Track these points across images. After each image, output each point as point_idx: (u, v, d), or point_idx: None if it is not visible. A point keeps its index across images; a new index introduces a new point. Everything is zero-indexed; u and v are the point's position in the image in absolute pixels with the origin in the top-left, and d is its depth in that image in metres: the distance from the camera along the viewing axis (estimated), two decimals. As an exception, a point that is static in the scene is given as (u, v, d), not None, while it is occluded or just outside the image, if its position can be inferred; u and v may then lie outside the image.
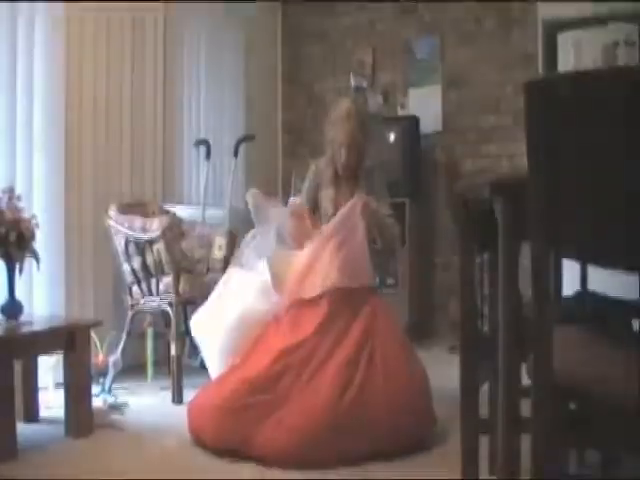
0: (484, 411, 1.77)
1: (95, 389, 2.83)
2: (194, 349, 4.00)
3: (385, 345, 2.50)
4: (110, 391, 3.06)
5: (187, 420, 2.51)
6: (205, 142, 4.41)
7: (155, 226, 3.25)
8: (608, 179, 1.02)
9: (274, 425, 2.27)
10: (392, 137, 4.87)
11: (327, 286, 2.53)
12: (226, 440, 2.31)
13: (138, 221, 3.33)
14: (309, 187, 2.96)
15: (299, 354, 2.43)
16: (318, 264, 2.56)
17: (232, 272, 2.84)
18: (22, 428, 2.47)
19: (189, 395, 2.79)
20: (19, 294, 2.70)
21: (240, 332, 2.60)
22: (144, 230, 3.28)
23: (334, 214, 2.76)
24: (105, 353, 3.02)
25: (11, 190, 2.66)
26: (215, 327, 2.68)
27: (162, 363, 3.56)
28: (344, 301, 2.54)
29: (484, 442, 1.78)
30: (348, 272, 2.54)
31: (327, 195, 2.88)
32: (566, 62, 3.95)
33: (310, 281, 2.56)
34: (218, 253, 3.66)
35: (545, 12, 4.12)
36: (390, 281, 4.60)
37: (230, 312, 2.65)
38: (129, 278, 3.39)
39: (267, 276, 2.63)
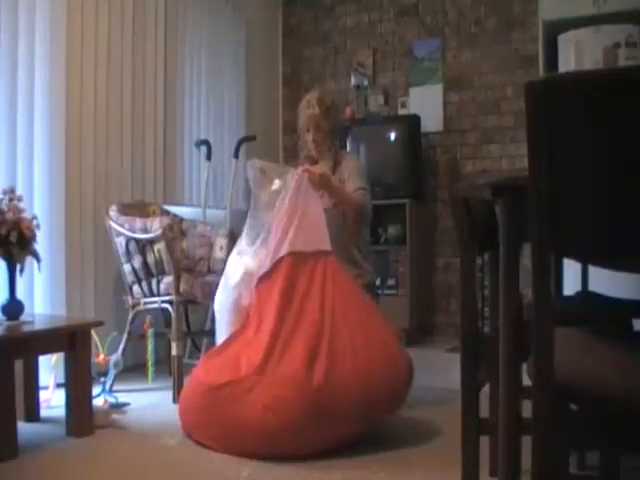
0: (484, 411, 1.78)
1: (96, 389, 2.82)
2: (195, 349, 4.02)
3: (347, 306, 2.51)
4: (111, 391, 3.06)
5: (179, 415, 2.55)
6: (206, 143, 4.41)
7: (156, 225, 3.25)
8: (609, 180, 1.03)
9: (252, 403, 2.27)
10: (393, 136, 4.88)
11: (280, 255, 2.57)
12: (212, 425, 2.35)
13: (139, 222, 3.34)
14: None
15: (266, 333, 2.43)
16: (272, 240, 2.63)
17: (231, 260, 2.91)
18: (23, 428, 2.48)
19: (190, 395, 2.79)
20: (20, 294, 2.70)
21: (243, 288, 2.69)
22: (144, 231, 3.29)
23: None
24: (106, 353, 3.02)
25: (12, 190, 2.66)
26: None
27: (163, 363, 3.57)
28: (302, 266, 2.56)
29: (484, 442, 1.78)
30: (302, 238, 2.59)
31: None
32: (567, 63, 3.94)
33: (265, 257, 2.62)
34: (219, 253, 3.67)
35: (546, 13, 4.12)
36: (390, 282, 4.61)
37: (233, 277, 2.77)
38: (130, 278, 3.40)
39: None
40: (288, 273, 2.55)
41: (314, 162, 3.03)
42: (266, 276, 2.59)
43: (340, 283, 2.58)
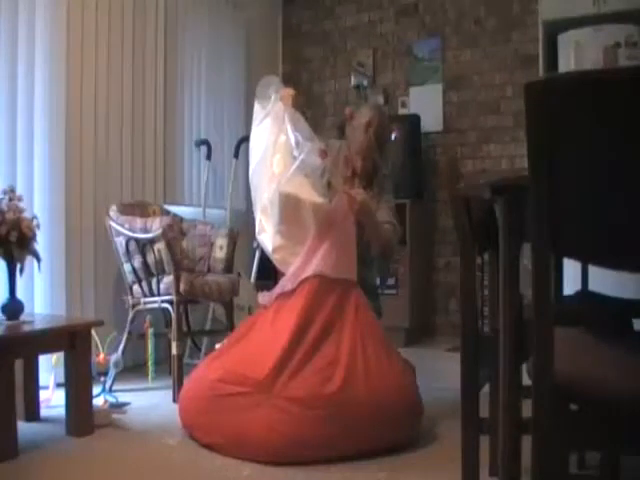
0: (484, 411, 1.78)
1: (96, 389, 2.82)
2: (195, 349, 4.02)
3: (365, 342, 2.45)
4: (111, 391, 3.06)
5: (179, 413, 2.54)
6: (206, 142, 4.42)
7: (156, 225, 3.25)
8: (609, 179, 1.03)
9: (257, 421, 2.26)
10: (393, 136, 4.86)
11: (305, 276, 2.52)
12: (214, 431, 2.33)
13: (139, 222, 3.34)
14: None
15: (277, 350, 2.39)
16: (306, 257, 2.57)
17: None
18: (23, 427, 2.47)
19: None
20: (20, 294, 2.70)
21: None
22: (144, 231, 3.29)
23: None
24: (106, 352, 3.02)
25: (12, 190, 2.66)
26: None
27: (163, 363, 3.57)
28: (326, 292, 2.50)
29: (484, 442, 1.78)
30: (330, 262, 2.52)
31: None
32: (567, 63, 3.94)
33: (296, 273, 2.57)
34: (220, 253, 3.67)
35: (546, 13, 4.12)
36: (390, 281, 4.61)
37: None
38: (130, 277, 3.40)
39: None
40: (311, 296, 2.49)
41: (353, 175, 2.90)
42: (287, 293, 2.56)
43: (362, 321, 2.51)
